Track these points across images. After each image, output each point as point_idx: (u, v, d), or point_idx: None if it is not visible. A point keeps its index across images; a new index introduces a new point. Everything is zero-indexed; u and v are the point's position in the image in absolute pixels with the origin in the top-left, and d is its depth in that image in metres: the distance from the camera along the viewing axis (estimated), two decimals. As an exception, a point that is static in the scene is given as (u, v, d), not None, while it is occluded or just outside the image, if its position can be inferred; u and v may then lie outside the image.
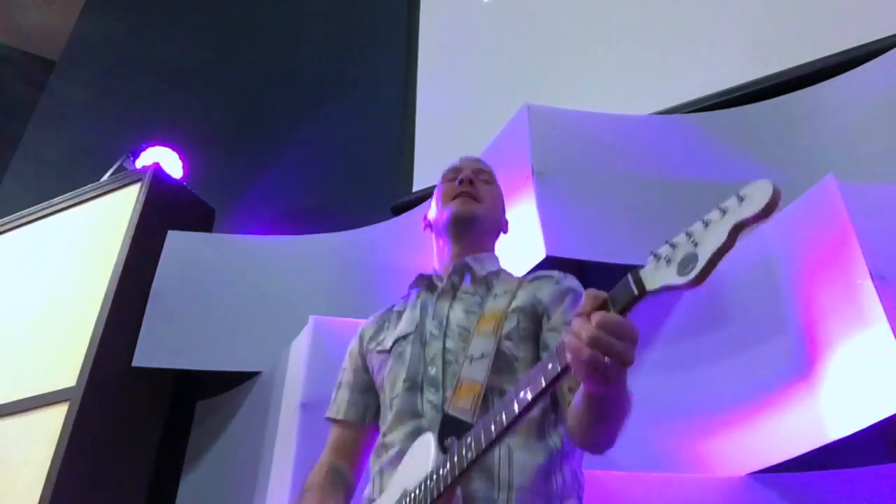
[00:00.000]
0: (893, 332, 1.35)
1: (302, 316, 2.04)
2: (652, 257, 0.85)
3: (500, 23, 3.03)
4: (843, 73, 2.06)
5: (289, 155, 3.27)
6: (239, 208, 3.15)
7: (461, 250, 1.36)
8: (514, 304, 1.22)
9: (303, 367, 1.92)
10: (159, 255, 2.46)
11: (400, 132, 2.99)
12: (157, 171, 2.75)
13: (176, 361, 2.32)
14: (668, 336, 1.88)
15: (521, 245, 1.88)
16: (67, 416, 2.17)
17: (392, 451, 1.17)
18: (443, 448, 1.06)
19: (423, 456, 1.07)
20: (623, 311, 0.84)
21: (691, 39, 2.50)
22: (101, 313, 2.36)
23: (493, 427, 0.95)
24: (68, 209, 2.84)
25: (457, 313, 1.26)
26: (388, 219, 2.55)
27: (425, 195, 2.49)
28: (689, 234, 0.81)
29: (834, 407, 1.45)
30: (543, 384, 0.90)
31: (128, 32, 4.61)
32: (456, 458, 0.99)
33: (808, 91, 2.11)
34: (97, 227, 2.69)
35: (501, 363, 1.16)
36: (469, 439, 0.98)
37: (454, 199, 1.38)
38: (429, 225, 1.49)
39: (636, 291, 0.84)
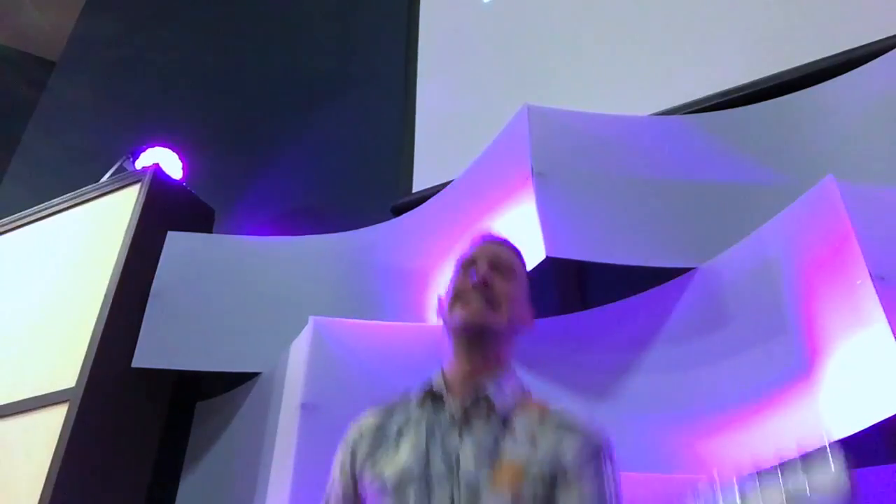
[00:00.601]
0: (893, 333, 1.35)
1: (302, 316, 2.04)
2: None
3: (500, 23, 3.03)
4: (843, 73, 2.06)
5: (289, 155, 3.26)
6: (239, 208, 3.15)
7: (473, 365, 1.17)
8: (534, 459, 1.07)
9: (303, 368, 1.91)
10: (159, 255, 2.46)
11: (400, 132, 2.99)
12: (156, 172, 2.75)
13: (176, 362, 2.32)
14: (668, 336, 1.88)
15: (521, 245, 1.88)
16: (67, 417, 2.17)
17: None
18: None
19: None
20: None
21: (691, 39, 2.50)
22: (101, 314, 2.36)
23: None
24: (68, 210, 2.84)
25: (467, 454, 1.09)
26: (388, 219, 2.55)
27: (425, 195, 2.49)
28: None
29: (834, 407, 1.46)
30: None
31: (128, 32, 4.60)
32: None
33: (808, 91, 2.11)
34: (97, 227, 2.69)
35: None
36: None
37: (466, 301, 1.18)
38: (440, 311, 1.27)
39: None
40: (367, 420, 1.23)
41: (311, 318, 2.00)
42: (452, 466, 1.09)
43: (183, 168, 3.05)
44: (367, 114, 3.18)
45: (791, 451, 0.72)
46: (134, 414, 2.34)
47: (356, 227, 2.56)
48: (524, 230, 1.87)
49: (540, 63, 2.79)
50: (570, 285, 2.26)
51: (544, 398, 1.20)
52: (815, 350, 1.53)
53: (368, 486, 1.14)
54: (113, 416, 2.26)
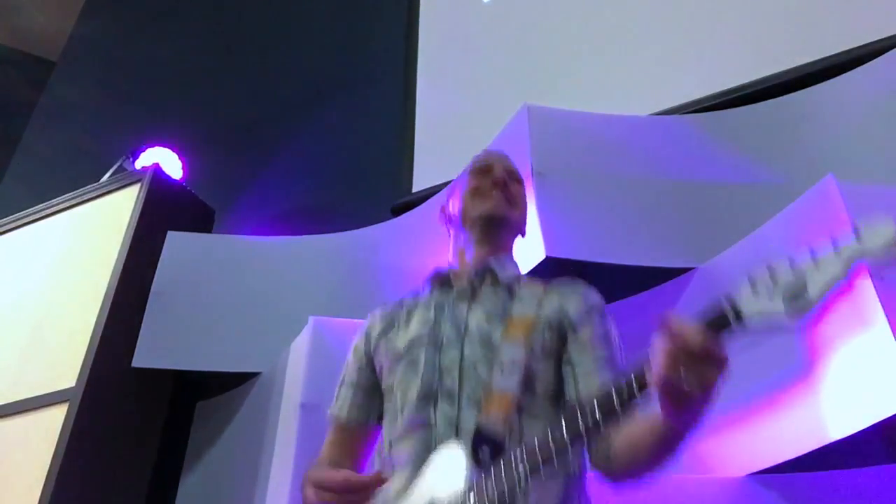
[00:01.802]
0: (893, 333, 1.35)
1: (302, 316, 2.04)
2: (746, 284, 0.83)
3: (500, 23, 3.03)
4: (843, 73, 2.06)
5: (289, 155, 3.27)
6: (239, 208, 3.15)
7: (484, 250, 1.30)
8: (542, 314, 1.18)
9: (303, 368, 1.91)
10: (159, 255, 2.46)
11: (400, 132, 2.99)
12: (156, 172, 2.75)
13: (176, 362, 2.32)
14: (668, 336, 1.88)
15: (520, 245, 1.88)
16: (67, 416, 2.17)
17: (403, 462, 1.12)
18: (477, 461, 1.02)
19: (454, 467, 1.03)
20: (715, 336, 0.81)
21: (691, 39, 2.50)
22: (101, 313, 2.37)
23: (550, 445, 0.93)
24: (68, 209, 2.84)
25: (477, 317, 1.20)
26: (388, 219, 2.55)
27: (425, 195, 2.49)
28: (792, 266, 0.80)
29: (834, 407, 1.45)
30: (619, 409, 0.88)
31: (128, 32, 4.61)
32: (504, 473, 0.96)
33: (808, 91, 2.11)
34: (97, 227, 2.69)
35: (526, 377, 1.12)
36: (519, 454, 0.96)
37: (487, 196, 1.32)
38: (448, 218, 1.41)
39: (733, 318, 0.81)
40: (379, 308, 1.36)
41: (311, 318, 2.00)
42: (461, 329, 1.18)
43: (183, 168, 3.05)
44: (367, 114, 3.18)
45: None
46: (134, 414, 2.34)
47: (356, 227, 2.56)
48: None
49: (540, 63, 2.79)
50: (570, 285, 2.26)
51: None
52: (815, 350, 1.53)
53: (383, 357, 1.24)
54: (113, 415, 2.27)
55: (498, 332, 1.16)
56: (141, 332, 2.30)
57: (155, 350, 2.28)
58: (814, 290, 0.76)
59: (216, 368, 2.35)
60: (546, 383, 1.14)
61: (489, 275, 1.26)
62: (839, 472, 1.54)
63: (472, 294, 1.24)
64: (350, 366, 1.32)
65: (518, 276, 1.29)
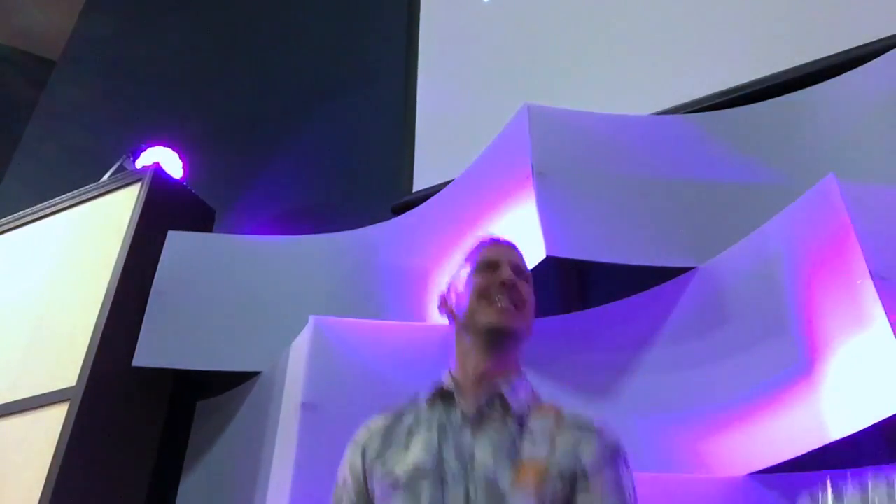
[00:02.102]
0: (893, 332, 1.35)
1: (302, 316, 2.04)
2: None
3: (500, 23, 3.04)
4: (843, 73, 2.06)
5: (289, 155, 3.27)
6: (239, 208, 3.15)
7: (491, 364, 1.18)
8: (554, 460, 1.08)
9: (303, 367, 1.91)
10: (159, 255, 2.46)
11: (400, 132, 2.99)
12: (157, 171, 2.75)
13: (176, 361, 2.32)
14: (668, 336, 1.88)
15: (521, 245, 1.88)
16: (67, 416, 2.16)
17: None
18: None
19: None
20: None
21: (691, 39, 2.50)
22: (101, 313, 2.36)
23: None
24: (69, 209, 2.84)
25: (483, 452, 1.09)
26: (388, 219, 2.55)
27: (425, 195, 2.49)
28: None
29: (834, 407, 1.46)
30: None
31: (128, 32, 4.61)
32: None
33: (808, 91, 2.11)
34: (97, 226, 2.69)
35: None
36: None
37: (495, 303, 1.20)
38: (449, 313, 1.28)
39: None
40: (376, 422, 1.23)
41: (312, 318, 2.00)
42: (467, 464, 1.09)
43: (183, 167, 3.04)
44: (367, 114, 3.18)
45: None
46: (134, 413, 2.34)
47: (356, 227, 2.56)
48: (524, 230, 1.87)
49: (540, 63, 2.79)
50: (570, 285, 2.26)
51: (554, 401, 1.21)
52: (815, 350, 1.53)
53: (378, 483, 1.14)
54: (113, 415, 2.26)
55: (506, 475, 1.07)
56: (141, 331, 2.30)
57: (155, 349, 2.28)
58: None
59: (216, 368, 2.35)
60: None
61: (498, 400, 1.15)
62: (839, 472, 1.54)
63: (478, 421, 1.13)
64: (347, 485, 1.20)
65: (529, 405, 1.17)
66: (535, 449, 1.09)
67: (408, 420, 1.19)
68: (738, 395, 1.67)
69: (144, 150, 3.03)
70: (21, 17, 5.58)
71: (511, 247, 1.32)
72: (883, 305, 1.38)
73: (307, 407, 1.82)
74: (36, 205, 2.94)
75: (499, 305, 1.19)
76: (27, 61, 5.70)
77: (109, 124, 4.01)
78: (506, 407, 1.14)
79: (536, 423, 1.12)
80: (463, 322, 1.23)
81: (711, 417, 1.71)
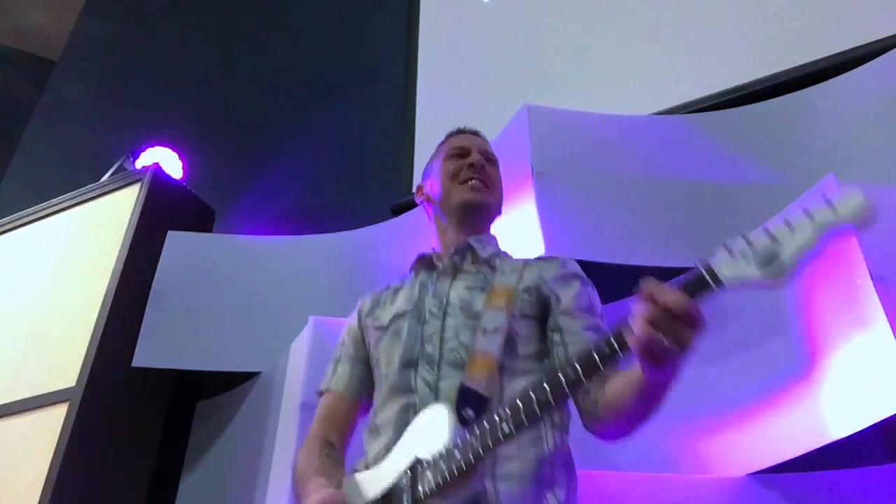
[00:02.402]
0: (893, 333, 1.35)
1: (302, 316, 2.04)
2: (723, 249, 0.86)
3: (500, 23, 3.04)
4: (843, 73, 2.06)
5: (289, 155, 3.27)
6: (239, 208, 3.15)
7: (464, 232, 1.36)
8: (522, 284, 1.23)
9: (303, 368, 1.91)
10: (159, 255, 2.46)
11: (400, 132, 2.99)
12: (156, 172, 2.75)
13: (176, 361, 2.32)
14: (668, 336, 1.88)
15: (521, 245, 1.88)
16: (67, 416, 2.17)
17: (386, 429, 1.16)
18: (461, 420, 1.05)
19: (438, 426, 1.06)
20: (693, 298, 0.85)
21: (691, 39, 2.50)
22: (101, 313, 2.37)
23: (534, 402, 0.95)
24: (68, 209, 2.84)
25: (458, 291, 1.25)
26: (388, 219, 2.55)
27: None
28: (767, 231, 0.82)
29: (834, 407, 1.46)
30: (599, 364, 0.92)
31: (128, 32, 4.61)
32: (489, 431, 0.98)
33: (808, 91, 2.11)
34: (97, 227, 2.69)
35: (508, 340, 1.16)
36: (502, 412, 0.98)
37: (465, 183, 1.37)
38: (426, 199, 1.45)
39: (710, 282, 0.84)
40: (369, 293, 1.41)
41: (311, 318, 2.00)
42: (443, 301, 1.24)
43: (183, 167, 3.05)
44: (367, 114, 3.19)
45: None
46: (134, 414, 2.34)
47: (356, 227, 2.56)
48: (524, 229, 1.87)
49: (540, 63, 2.79)
50: (570, 285, 2.26)
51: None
52: (815, 350, 1.53)
53: (371, 332, 1.31)
54: (113, 415, 2.27)
55: (480, 301, 1.21)
56: (141, 331, 2.30)
57: (155, 350, 2.28)
58: (787, 253, 0.79)
59: (216, 368, 2.35)
60: (528, 345, 1.19)
61: (470, 252, 1.32)
62: (839, 472, 1.54)
63: (454, 271, 1.30)
64: (345, 343, 1.37)
65: (498, 252, 1.35)
66: (504, 278, 1.24)
67: (395, 286, 1.37)
68: (738, 395, 1.67)
69: (144, 150, 3.04)
70: (21, 17, 5.58)
71: (477, 134, 1.49)
72: (883, 306, 1.38)
73: (307, 407, 1.82)
74: (36, 205, 2.94)
75: (470, 184, 1.36)
76: (27, 61, 5.70)
77: (109, 124, 4.01)
78: (476, 256, 1.30)
79: (506, 264, 1.29)
80: (439, 203, 1.40)
81: (711, 417, 1.70)
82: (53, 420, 2.19)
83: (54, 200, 2.89)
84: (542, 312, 1.22)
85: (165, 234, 2.51)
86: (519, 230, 1.91)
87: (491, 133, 2.21)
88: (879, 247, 1.48)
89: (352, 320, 1.39)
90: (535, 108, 2.10)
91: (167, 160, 2.98)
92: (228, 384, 2.44)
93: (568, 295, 1.22)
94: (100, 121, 4.13)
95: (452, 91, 2.97)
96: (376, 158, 3.03)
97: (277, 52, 3.79)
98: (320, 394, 1.34)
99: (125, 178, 2.79)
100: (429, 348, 1.19)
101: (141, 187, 2.68)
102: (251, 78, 3.77)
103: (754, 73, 2.28)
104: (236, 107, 3.68)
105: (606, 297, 2.07)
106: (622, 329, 0.91)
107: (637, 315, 0.87)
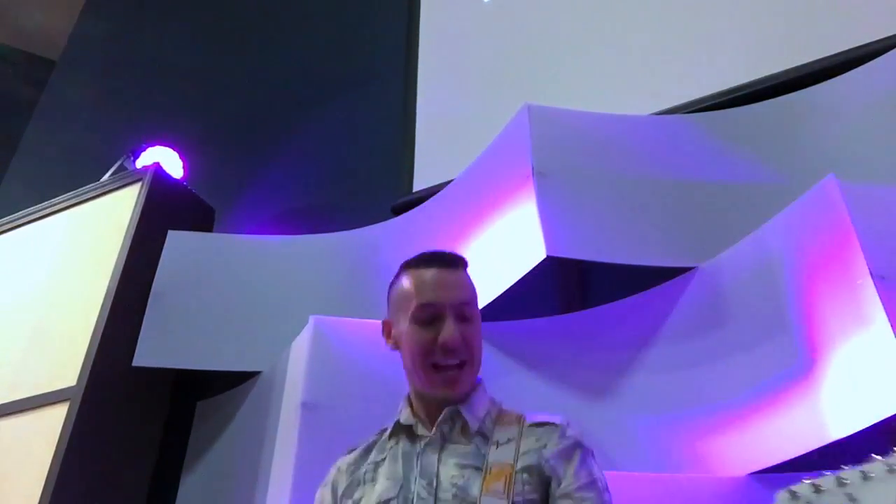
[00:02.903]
0: (894, 332, 1.35)
1: (302, 316, 2.04)
2: (787, 495, 0.77)
3: (500, 23, 3.03)
4: (843, 73, 2.06)
5: (289, 155, 3.27)
6: (239, 208, 3.15)
7: (447, 404, 1.16)
8: (520, 463, 1.09)
9: (303, 367, 1.91)
10: (159, 255, 2.46)
11: (400, 132, 2.99)
12: (157, 171, 2.75)
13: (176, 361, 2.32)
14: (668, 335, 1.88)
15: (521, 245, 1.88)
16: (67, 416, 2.17)
17: None
18: None
19: None
20: None
21: (691, 39, 2.50)
22: (101, 313, 2.37)
23: None
24: (69, 209, 2.84)
25: (448, 469, 1.10)
26: (388, 219, 2.55)
27: (425, 195, 2.49)
28: (841, 482, 0.71)
29: (834, 407, 1.46)
30: None
31: (128, 31, 4.61)
32: None
33: (808, 91, 2.11)
34: (97, 226, 2.69)
35: None
36: None
37: (438, 371, 1.14)
38: (394, 346, 1.22)
39: None
40: (344, 459, 1.23)
41: (312, 318, 2.00)
42: (432, 483, 1.09)
43: (183, 167, 3.05)
44: (367, 114, 3.18)
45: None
46: (134, 413, 2.34)
47: (356, 227, 2.56)
48: (524, 230, 1.87)
49: (540, 63, 2.79)
50: (570, 285, 2.26)
51: (514, 406, 1.21)
52: (815, 350, 1.53)
53: None
54: (113, 415, 2.27)
55: (474, 483, 1.07)
56: (141, 331, 2.29)
57: (155, 349, 2.28)
58: None
59: (216, 368, 2.35)
60: None
61: (459, 420, 1.14)
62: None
63: (441, 442, 1.13)
64: None
65: (489, 411, 1.17)
66: (499, 454, 1.10)
67: (374, 457, 1.19)
68: (738, 395, 1.67)
69: (144, 150, 3.04)
70: (21, 17, 5.58)
71: (454, 277, 1.19)
72: (883, 305, 1.38)
73: (307, 407, 1.82)
74: (36, 205, 2.94)
75: (446, 374, 1.14)
76: (27, 61, 5.70)
77: (109, 124, 4.01)
78: (465, 425, 1.13)
79: (500, 433, 1.13)
80: (407, 370, 1.19)
81: (711, 417, 1.70)
82: (53, 420, 2.19)
83: (54, 200, 2.89)
84: (543, 494, 1.09)
85: (165, 233, 2.51)
86: (519, 230, 1.91)
87: (491, 133, 2.23)
88: (879, 247, 1.48)
89: (324, 493, 1.21)
90: (536, 108, 2.10)
91: (167, 160, 2.98)
92: (228, 384, 2.44)
93: (569, 473, 1.08)
94: (100, 121, 4.13)
95: (452, 91, 2.97)
96: (376, 158, 3.03)
97: (277, 52, 3.79)
98: None
99: (125, 177, 2.79)
100: None
101: (141, 187, 2.68)
102: (251, 78, 3.77)
103: (754, 73, 2.28)
104: (236, 107, 3.68)
105: (607, 297, 2.08)
106: None
107: None
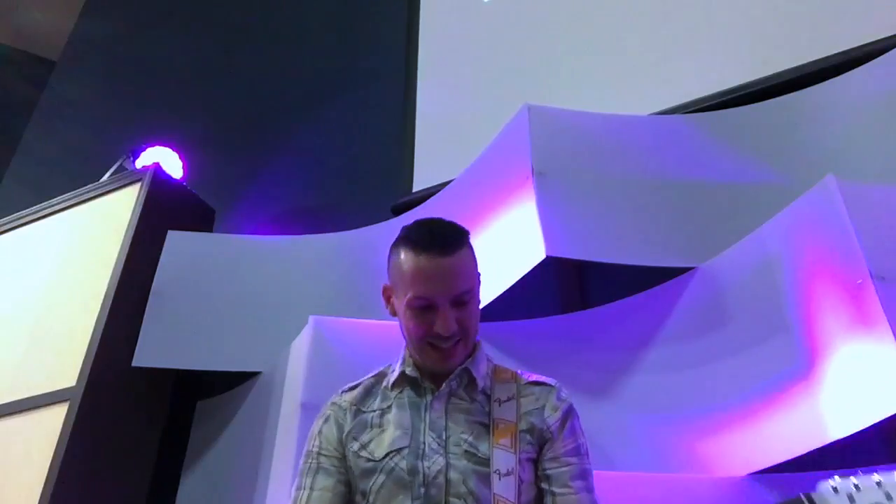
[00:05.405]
0: (893, 333, 1.35)
1: (302, 316, 2.04)
2: (829, 487, 0.81)
3: (500, 23, 3.03)
4: (843, 73, 2.06)
5: (289, 155, 3.27)
6: (239, 208, 3.15)
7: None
8: (523, 423, 1.16)
9: (303, 367, 1.91)
10: (159, 255, 2.46)
11: (400, 132, 2.99)
12: (157, 171, 2.75)
13: (176, 361, 2.32)
14: (668, 335, 1.89)
15: (521, 245, 1.88)
16: (67, 416, 2.17)
17: None
18: None
19: None
20: None
21: (691, 39, 2.50)
22: (101, 313, 2.37)
23: None
24: (68, 209, 2.84)
25: (458, 425, 1.16)
26: (388, 219, 2.55)
27: (425, 195, 2.49)
28: (880, 485, 0.77)
29: (834, 407, 1.46)
30: None
31: (128, 32, 4.61)
32: None
33: (808, 91, 2.11)
34: (97, 227, 2.69)
35: (518, 486, 1.11)
36: None
37: (434, 349, 1.17)
38: (392, 311, 1.24)
39: None
40: (343, 398, 1.26)
41: (312, 318, 2.00)
42: (442, 436, 1.14)
43: (183, 167, 3.05)
44: (368, 114, 3.19)
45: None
46: (134, 413, 2.34)
47: (356, 227, 2.56)
48: (524, 230, 1.87)
49: (540, 63, 2.79)
50: (570, 285, 2.26)
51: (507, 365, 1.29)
52: (815, 350, 1.53)
53: (358, 461, 1.16)
54: (113, 415, 2.27)
55: (483, 439, 1.14)
56: (141, 331, 2.30)
57: (155, 350, 2.28)
58: None
59: (216, 368, 2.35)
60: (529, 491, 1.14)
61: (466, 376, 1.20)
62: (839, 472, 1.54)
63: (448, 398, 1.18)
64: (322, 452, 1.20)
65: (490, 374, 1.23)
66: (503, 412, 1.17)
67: (377, 403, 1.23)
68: (738, 395, 1.67)
69: (144, 150, 3.04)
70: (21, 17, 5.58)
71: (450, 263, 1.15)
72: (883, 305, 1.38)
73: (307, 407, 1.82)
74: (36, 205, 2.94)
75: (442, 349, 1.16)
76: (27, 61, 5.70)
77: (109, 124, 4.01)
78: (472, 383, 1.20)
79: (500, 390, 1.21)
80: (406, 341, 1.22)
81: (711, 417, 1.70)
82: (53, 420, 2.19)
83: (54, 200, 2.89)
84: (538, 453, 1.17)
85: (165, 234, 2.51)
86: (519, 230, 1.91)
87: (491, 133, 2.23)
88: (879, 247, 1.48)
89: (328, 430, 1.22)
90: (536, 108, 2.10)
91: (167, 160, 2.98)
92: (228, 384, 2.44)
93: (559, 439, 1.17)
94: (100, 121, 4.13)
95: (452, 91, 2.97)
96: (376, 158, 3.03)
97: (277, 52, 3.79)
98: None
99: (125, 177, 2.79)
100: (433, 491, 1.10)
101: (141, 187, 2.68)
102: (251, 78, 3.77)
103: (754, 73, 2.28)
104: (236, 107, 3.68)
105: (607, 297, 2.08)
106: None
107: None
